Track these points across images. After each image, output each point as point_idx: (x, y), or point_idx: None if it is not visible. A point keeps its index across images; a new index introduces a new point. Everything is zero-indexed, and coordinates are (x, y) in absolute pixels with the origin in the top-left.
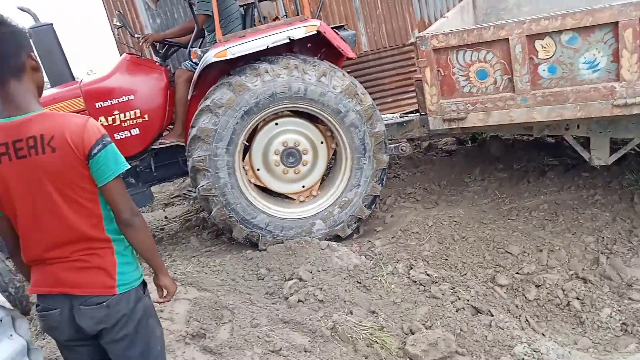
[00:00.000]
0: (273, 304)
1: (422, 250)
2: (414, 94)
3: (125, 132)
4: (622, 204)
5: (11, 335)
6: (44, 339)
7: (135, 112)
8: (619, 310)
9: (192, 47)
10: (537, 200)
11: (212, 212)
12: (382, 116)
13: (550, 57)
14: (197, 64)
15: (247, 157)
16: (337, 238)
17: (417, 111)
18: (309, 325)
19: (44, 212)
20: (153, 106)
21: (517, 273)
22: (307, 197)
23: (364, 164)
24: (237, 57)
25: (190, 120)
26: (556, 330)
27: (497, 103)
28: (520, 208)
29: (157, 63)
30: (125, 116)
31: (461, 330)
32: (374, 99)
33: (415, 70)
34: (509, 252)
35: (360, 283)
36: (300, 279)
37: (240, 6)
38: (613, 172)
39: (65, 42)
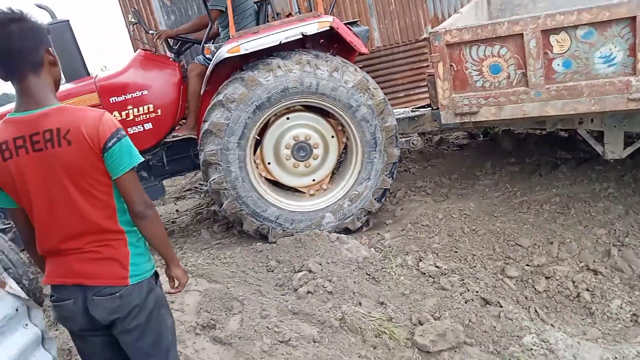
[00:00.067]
0: (282, 295)
1: (432, 242)
2: (426, 89)
3: (139, 126)
4: (636, 197)
5: (26, 324)
6: (56, 330)
7: (148, 107)
8: (629, 302)
9: (205, 43)
10: (548, 193)
11: (223, 205)
12: (394, 110)
13: (565, 51)
14: (210, 60)
15: (258, 151)
16: (347, 231)
17: (428, 106)
18: (318, 316)
19: (59, 204)
20: (166, 101)
21: (527, 265)
22: (317, 190)
23: (375, 157)
24: (250, 53)
25: (203, 113)
26: (565, 321)
27: (510, 97)
28: (532, 201)
29: (170, 59)
30: (138, 111)
31: (470, 321)
32: (386, 94)
33: (427, 66)
34: (519, 245)
35: (369, 275)
36: (310, 271)
37: (254, 3)
38: (627, 165)
39: (81, 39)
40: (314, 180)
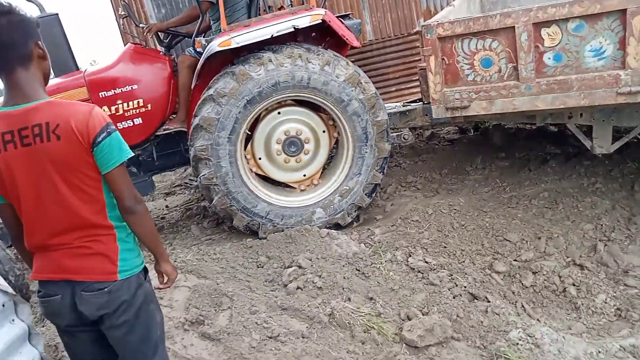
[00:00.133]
0: (272, 291)
1: (422, 238)
2: (418, 84)
3: (128, 121)
4: (622, 192)
5: (13, 320)
6: (43, 326)
7: (138, 101)
8: (614, 296)
9: (196, 36)
10: (537, 188)
11: (213, 201)
12: (385, 105)
13: (556, 45)
14: (201, 54)
15: (249, 146)
16: (337, 226)
17: (420, 100)
18: (307, 312)
19: (48, 199)
20: (156, 96)
21: (514, 260)
22: (308, 185)
23: (366, 152)
24: (242, 47)
25: (193, 107)
26: (551, 316)
27: (501, 91)
28: (521, 196)
29: (161, 53)
30: (128, 106)
31: (457, 316)
32: (377, 88)
33: (419, 60)
34: (507, 240)
35: (359, 270)
36: (300, 267)
37: None
38: (614, 160)
39: (70, 33)
40: (304, 175)
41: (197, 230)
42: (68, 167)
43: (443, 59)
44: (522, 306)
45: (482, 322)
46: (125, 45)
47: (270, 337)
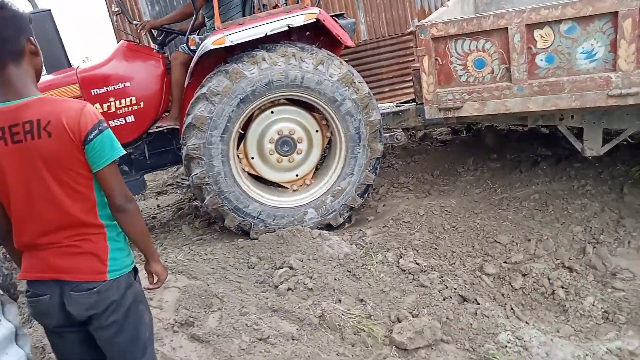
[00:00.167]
0: (263, 292)
1: (413, 239)
2: (411, 84)
3: (120, 119)
4: (612, 195)
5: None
6: (30, 327)
7: (130, 99)
8: (601, 299)
9: (190, 34)
10: (528, 190)
11: (205, 201)
12: (379, 105)
13: (549, 46)
14: (194, 51)
15: (241, 145)
16: (329, 227)
17: (413, 101)
18: (297, 314)
19: (38, 197)
20: (149, 94)
21: (504, 262)
22: (300, 185)
23: (358, 152)
24: (236, 45)
25: (187, 104)
26: (540, 319)
27: (494, 92)
28: (512, 198)
29: (154, 50)
30: (120, 103)
31: (447, 318)
32: (371, 88)
33: (413, 60)
34: (498, 242)
35: (350, 272)
36: (291, 268)
37: None
38: (604, 162)
39: (63, 30)
40: (297, 175)
41: (189, 230)
42: (59, 164)
43: (436, 59)
44: (512, 308)
45: (471, 324)
46: (118, 42)
47: (260, 339)
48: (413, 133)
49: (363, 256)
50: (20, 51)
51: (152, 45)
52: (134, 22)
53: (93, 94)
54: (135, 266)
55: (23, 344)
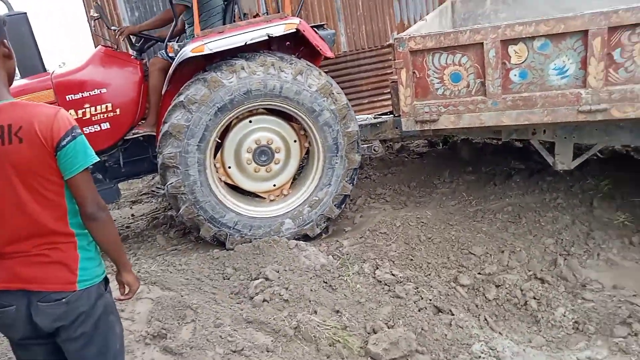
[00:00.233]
0: (238, 303)
1: (389, 250)
2: (390, 96)
3: (95, 126)
4: (582, 208)
5: None
6: None
7: (106, 106)
8: (572, 310)
9: (169, 41)
10: (502, 202)
11: (180, 210)
12: (357, 117)
13: (522, 62)
14: (173, 58)
15: (218, 154)
16: (306, 237)
17: (391, 113)
18: (272, 325)
19: (6, 204)
20: (125, 100)
21: (479, 273)
22: (277, 195)
23: (336, 163)
24: (215, 53)
25: (164, 111)
26: (513, 329)
27: (469, 106)
28: (486, 210)
29: (132, 57)
30: (96, 110)
31: (422, 329)
32: (350, 100)
33: (392, 72)
34: (472, 253)
35: (326, 283)
36: (267, 279)
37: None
38: (575, 176)
39: (39, 34)
40: (274, 185)
41: (163, 240)
42: (29, 171)
43: (414, 72)
44: (485, 319)
45: (446, 335)
46: (96, 48)
47: (235, 351)
48: (390, 145)
49: (339, 267)
50: None
51: (131, 51)
52: (113, 28)
53: (68, 99)
54: (106, 276)
55: None
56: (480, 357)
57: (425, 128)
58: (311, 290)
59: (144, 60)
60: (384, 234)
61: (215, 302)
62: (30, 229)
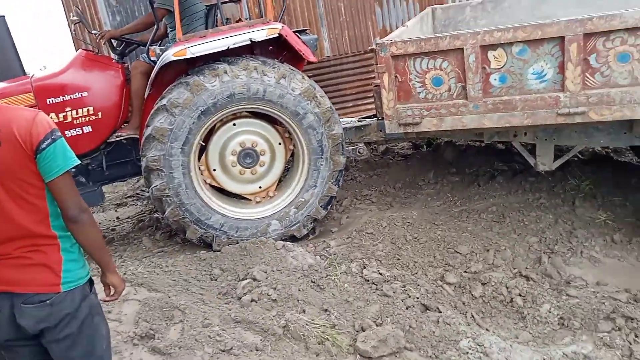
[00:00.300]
0: (226, 304)
1: (376, 250)
2: (373, 100)
3: (77, 129)
4: (565, 207)
5: None
6: None
7: (88, 109)
8: (557, 306)
9: (150, 45)
10: (486, 202)
11: (166, 213)
12: (341, 120)
13: (502, 67)
14: (155, 62)
15: (203, 157)
16: (293, 238)
17: (375, 116)
18: (261, 324)
19: None
20: (107, 104)
21: (465, 272)
22: (263, 197)
23: (321, 165)
24: (197, 57)
25: (147, 115)
26: (499, 326)
27: (451, 109)
28: (470, 210)
29: (114, 60)
30: (77, 113)
31: (410, 326)
32: (334, 104)
33: (375, 77)
34: (458, 252)
35: (314, 282)
36: (254, 279)
37: (205, 6)
38: (557, 177)
39: (19, 37)
40: (260, 187)
41: (149, 242)
42: (9, 174)
43: (396, 76)
44: (472, 316)
45: (433, 332)
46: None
47: (223, 351)
48: (375, 147)
49: (327, 267)
50: None
51: (112, 55)
52: (93, 32)
53: (48, 103)
54: (91, 278)
55: None
56: (467, 353)
57: (409, 131)
58: (299, 290)
59: (126, 64)
60: (371, 234)
61: (203, 302)
62: (11, 232)
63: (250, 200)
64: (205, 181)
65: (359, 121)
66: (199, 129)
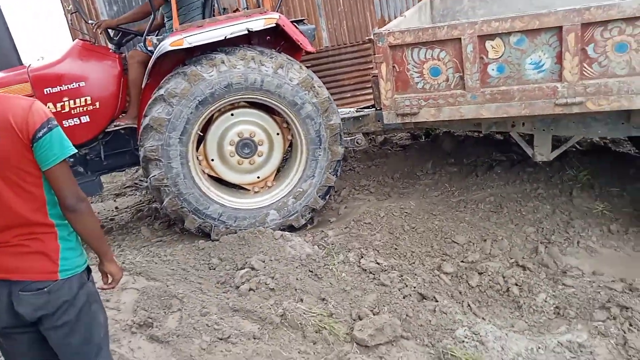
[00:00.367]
0: (224, 292)
1: (374, 240)
2: (372, 90)
3: (75, 119)
4: (562, 197)
5: None
6: None
7: (85, 99)
8: (553, 295)
9: (147, 35)
10: (484, 193)
11: (164, 203)
12: (339, 110)
13: (500, 57)
14: (152, 52)
15: (201, 147)
16: (291, 228)
17: (373, 106)
18: (259, 313)
19: None
20: (105, 94)
21: (462, 261)
22: (261, 187)
23: (319, 155)
24: (194, 47)
25: (144, 104)
26: (495, 315)
27: (448, 99)
28: (468, 200)
29: (111, 50)
30: (75, 103)
31: (407, 315)
32: (333, 94)
33: (373, 67)
34: (455, 242)
35: (312, 272)
36: (253, 268)
37: None
38: (555, 167)
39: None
40: (258, 177)
41: (148, 231)
42: (6, 163)
43: (394, 66)
44: (469, 305)
45: (430, 321)
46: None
47: (221, 339)
48: (373, 138)
49: (325, 256)
50: None
51: (109, 45)
52: (90, 22)
53: (46, 93)
54: (88, 266)
55: None
56: (463, 341)
57: (407, 121)
58: (297, 279)
59: (123, 54)
60: (369, 224)
61: (201, 291)
62: (9, 220)
63: (249, 190)
64: (203, 171)
65: (357, 111)
66: (196, 119)
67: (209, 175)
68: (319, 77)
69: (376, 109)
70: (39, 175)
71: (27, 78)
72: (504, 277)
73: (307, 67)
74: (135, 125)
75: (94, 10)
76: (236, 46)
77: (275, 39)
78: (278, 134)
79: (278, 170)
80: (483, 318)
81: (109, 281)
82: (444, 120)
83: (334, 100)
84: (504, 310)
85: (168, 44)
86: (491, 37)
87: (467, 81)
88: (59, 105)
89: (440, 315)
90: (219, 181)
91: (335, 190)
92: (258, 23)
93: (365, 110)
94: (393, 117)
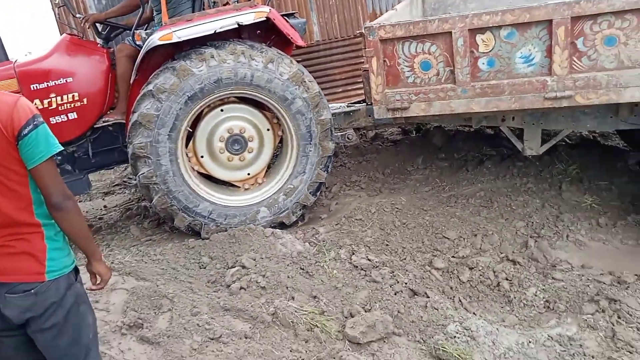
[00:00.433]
0: (215, 292)
1: (365, 236)
2: (363, 85)
3: (62, 116)
4: (551, 192)
5: None
6: None
7: (73, 95)
8: (543, 289)
9: (136, 29)
10: (474, 188)
11: (153, 200)
12: (330, 105)
13: (490, 51)
14: (141, 47)
15: (190, 143)
16: (282, 225)
17: (364, 101)
18: (250, 312)
19: None
20: (93, 90)
21: (452, 257)
22: (252, 184)
23: (310, 151)
24: (184, 42)
25: (133, 100)
26: (486, 309)
27: (439, 94)
28: (459, 195)
29: (99, 45)
30: (62, 99)
31: (398, 312)
32: (324, 89)
33: (364, 61)
34: (446, 237)
35: (303, 269)
36: (243, 267)
37: None
38: (544, 161)
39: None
40: (248, 174)
41: (137, 230)
42: None
43: (385, 60)
44: (460, 301)
45: (421, 317)
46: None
47: (212, 339)
48: (364, 133)
49: (316, 254)
50: None
51: (97, 40)
52: (78, 16)
53: (32, 89)
54: (76, 266)
55: None
56: (455, 337)
57: (397, 115)
58: (288, 277)
59: (111, 49)
60: (360, 220)
61: (191, 291)
62: None
63: (239, 187)
64: (193, 168)
65: (348, 106)
66: (186, 114)
67: (199, 173)
68: (310, 72)
69: (367, 104)
70: (25, 173)
71: (14, 74)
72: (494, 272)
73: (298, 61)
74: (124, 121)
75: (82, 4)
76: (226, 40)
77: (265, 33)
78: (268, 129)
79: (268, 167)
80: (474, 313)
81: (98, 282)
82: (435, 114)
83: (325, 95)
84: (494, 305)
85: (157, 38)
86: (482, 30)
87: (457, 75)
88: (45, 101)
89: (431, 311)
90: (208, 178)
91: (326, 187)
92: (248, 17)
93: (356, 105)
94: (384, 111)
